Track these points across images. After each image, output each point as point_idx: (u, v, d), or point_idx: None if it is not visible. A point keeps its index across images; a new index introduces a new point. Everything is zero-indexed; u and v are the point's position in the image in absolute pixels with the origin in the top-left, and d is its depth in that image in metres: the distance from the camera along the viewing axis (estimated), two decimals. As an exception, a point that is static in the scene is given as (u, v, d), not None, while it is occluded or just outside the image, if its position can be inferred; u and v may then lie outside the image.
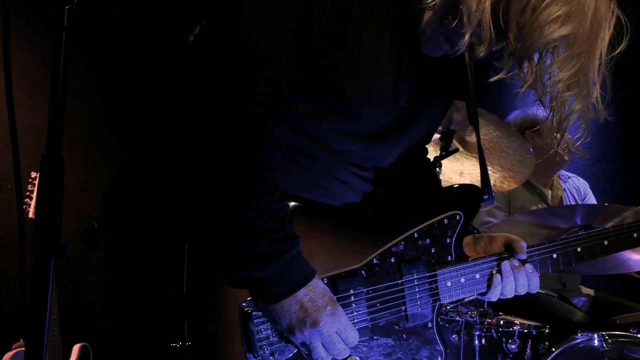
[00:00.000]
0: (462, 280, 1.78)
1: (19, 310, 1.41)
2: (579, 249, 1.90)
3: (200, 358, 1.51)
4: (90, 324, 3.95)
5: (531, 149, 3.49)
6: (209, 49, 1.48)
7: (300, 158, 1.63)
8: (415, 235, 1.74)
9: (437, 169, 3.00)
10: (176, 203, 1.54)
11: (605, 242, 1.93)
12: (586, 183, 4.26)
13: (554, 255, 1.87)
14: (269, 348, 1.57)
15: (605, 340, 3.03)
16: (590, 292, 4.03)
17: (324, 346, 1.57)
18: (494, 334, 3.12)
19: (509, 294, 1.81)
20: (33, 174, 3.36)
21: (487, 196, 1.85)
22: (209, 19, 1.53)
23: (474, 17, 1.45)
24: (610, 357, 2.97)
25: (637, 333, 3.22)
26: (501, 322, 3.14)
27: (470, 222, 1.82)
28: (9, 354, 3.30)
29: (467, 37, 1.47)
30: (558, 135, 1.57)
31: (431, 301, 1.75)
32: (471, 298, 1.80)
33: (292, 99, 1.55)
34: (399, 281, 1.71)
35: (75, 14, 1.44)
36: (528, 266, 1.83)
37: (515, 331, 3.12)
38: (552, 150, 1.49)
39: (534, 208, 3.96)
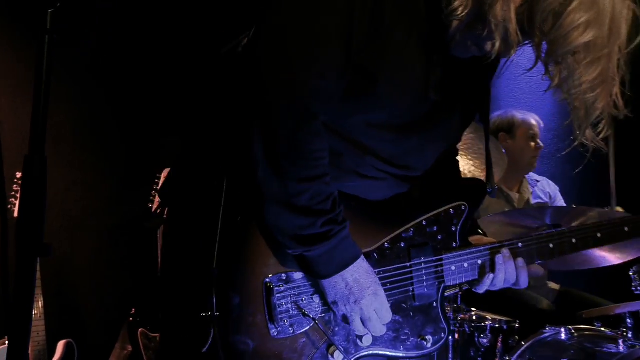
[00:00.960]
0: (465, 265, 1.84)
1: (3, 308, 1.40)
2: (551, 245, 1.94)
3: (226, 327, 1.59)
4: (75, 321, 3.92)
5: (503, 151, 3.52)
6: (267, 51, 1.56)
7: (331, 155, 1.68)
8: (424, 223, 1.82)
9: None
10: (231, 191, 1.63)
11: (574, 240, 1.95)
12: (556, 187, 4.29)
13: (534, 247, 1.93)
14: (288, 320, 1.66)
15: (572, 334, 3.06)
16: (556, 287, 4.06)
17: (362, 320, 1.67)
18: (467, 329, 3.13)
19: (499, 283, 1.86)
20: (18, 174, 3.33)
21: (490, 189, 1.91)
22: (260, 24, 1.61)
23: (501, 26, 1.49)
24: (577, 350, 2.99)
25: (601, 327, 3.25)
26: (474, 318, 3.16)
27: (474, 212, 1.89)
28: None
29: (497, 44, 1.52)
30: (579, 133, 1.60)
31: (436, 283, 1.82)
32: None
33: (339, 93, 1.61)
34: (408, 264, 1.79)
35: (58, 17, 1.43)
36: (519, 260, 1.88)
37: (487, 326, 3.14)
38: (575, 144, 1.53)
39: (497, 207, 3.97)
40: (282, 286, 1.66)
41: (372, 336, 1.72)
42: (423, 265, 1.81)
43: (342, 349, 1.70)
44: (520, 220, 3.28)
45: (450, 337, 3.05)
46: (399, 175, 1.80)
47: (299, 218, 1.58)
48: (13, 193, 3.31)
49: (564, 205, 4.21)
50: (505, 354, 3.10)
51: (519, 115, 4.11)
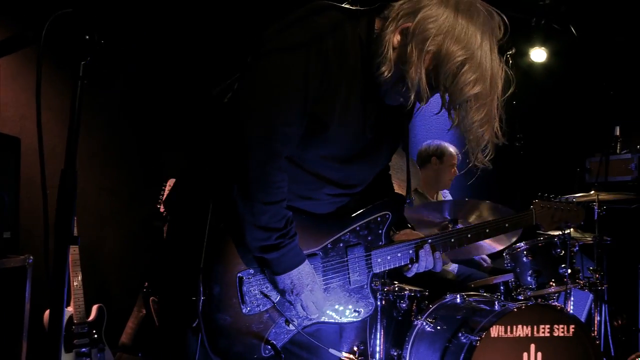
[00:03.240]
0: (389, 257, 1.87)
1: (45, 283, 1.38)
2: (452, 240, 1.97)
3: (210, 307, 1.64)
4: (104, 291, 3.86)
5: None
6: (245, 105, 1.57)
7: (290, 181, 1.69)
8: (357, 228, 1.84)
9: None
10: (215, 208, 1.64)
11: (469, 235, 1.98)
12: (449, 194, 4.32)
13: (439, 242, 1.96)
14: (256, 302, 1.71)
15: (464, 299, 3.11)
16: (454, 265, 4.09)
17: (301, 307, 1.72)
18: (390, 297, 3.16)
19: (421, 269, 1.91)
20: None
21: (409, 200, 1.94)
22: (240, 86, 1.63)
23: (415, 84, 1.53)
24: (467, 309, 3.03)
25: (484, 292, 3.31)
26: (396, 288, 3.19)
27: (397, 218, 1.91)
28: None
29: (412, 96, 1.56)
30: (472, 157, 1.64)
31: (367, 271, 1.86)
32: (395, 267, 1.90)
33: (299, 136, 1.62)
34: (345, 258, 1.82)
35: (89, 67, 1.41)
36: (437, 253, 1.92)
37: (405, 294, 3.17)
38: (470, 165, 1.61)
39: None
40: (251, 278, 1.70)
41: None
42: (357, 259, 1.83)
43: (295, 321, 1.76)
44: (426, 215, 3.31)
45: (378, 304, 3.06)
46: (342, 194, 1.80)
47: (260, 232, 1.61)
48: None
49: None
50: (419, 314, 3.14)
51: (448, 146, 4.12)
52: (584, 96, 5.17)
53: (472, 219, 3.28)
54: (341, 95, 1.61)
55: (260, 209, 1.58)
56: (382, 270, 1.87)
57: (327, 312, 1.80)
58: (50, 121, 3.53)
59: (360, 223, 1.84)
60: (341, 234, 1.81)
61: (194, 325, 1.61)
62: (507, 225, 2.03)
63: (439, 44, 1.50)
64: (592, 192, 3.58)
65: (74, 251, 3.28)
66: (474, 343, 2.73)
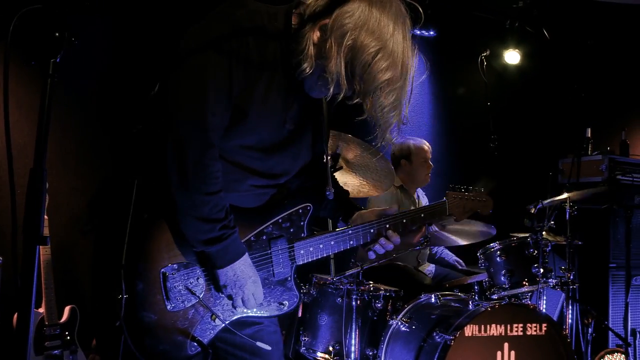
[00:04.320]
0: (311, 249, 1.87)
1: (14, 284, 1.35)
2: (372, 230, 1.95)
3: (134, 305, 1.64)
4: (77, 291, 3.79)
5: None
6: (174, 102, 1.62)
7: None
8: (280, 221, 1.85)
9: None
10: (137, 200, 1.67)
11: (387, 226, 1.96)
12: (424, 197, 4.32)
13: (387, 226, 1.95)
14: (180, 298, 1.70)
15: (439, 298, 3.12)
16: (431, 265, 4.12)
17: (242, 300, 1.74)
18: (366, 297, 3.15)
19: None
20: None
21: (329, 193, 1.92)
22: (168, 81, 1.65)
23: (334, 77, 1.59)
24: (442, 309, 3.05)
25: (458, 292, 3.33)
26: (371, 288, 3.18)
27: (318, 210, 1.93)
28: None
29: (332, 88, 1.61)
30: (380, 138, 1.70)
31: (290, 263, 1.86)
32: (320, 258, 1.91)
33: (225, 126, 1.66)
34: (269, 251, 1.82)
35: (59, 65, 1.38)
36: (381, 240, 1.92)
37: (380, 294, 3.16)
38: (378, 145, 1.68)
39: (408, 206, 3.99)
40: (175, 274, 1.69)
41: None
42: (280, 252, 1.84)
43: (221, 315, 1.75)
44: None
45: (354, 303, 3.06)
46: (266, 185, 1.83)
47: (203, 224, 1.62)
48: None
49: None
50: (394, 314, 3.14)
51: (414, 144, 4.06)
52: (556, 98, 5.25)
53: (445, 221, 3.30)
54: (260, 86, 1.66)
55: (201, 200, 1.60)
56: (305, 262, 1.87)
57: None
58: (20, 120, 3.46)
59: (282, 215, 1.84)
60: (263, 226, 1.82)
61: (117, 324, 1.60)
62: (422, 215, 2.04)
63: (356, 37, 1.57)
64: (564, 192, 3.64)
65: (45, 252, 3.22)
66: (448, 342, 2.75)
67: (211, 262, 1.69)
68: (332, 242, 1.89)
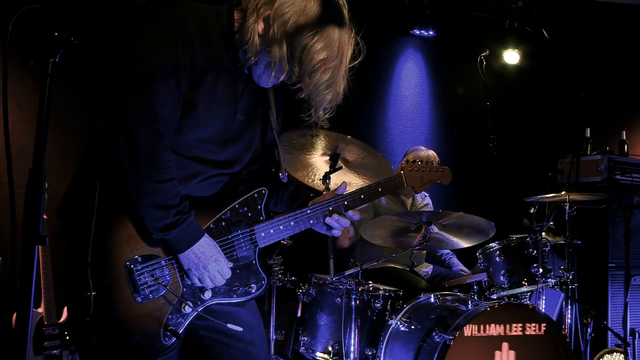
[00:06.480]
0: (272, 231, 1.89)
1: (14, 284, 1.35)
2: (330, 209, 1.96)
3: (103, 300, 1.67)
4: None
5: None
6: (123, 96, 1.68)
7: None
8: (237, 206, 1.88)
9: (327, 181, 3.00)
10: (101, 194, 1.70)
11: (346, 202, 1.98)
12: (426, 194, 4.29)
13: (346, 202, 1.98)
14: (148, 289, 1.73)
15: (438, 298, 3.13)
16: (430, 266, 4.11)
17: (209, 279, 1.78)
18: (365, 297, 3.15)
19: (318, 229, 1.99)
20: None
21: (282, 176, 1.97)
22: (116, 77, 1.72)
23: (277, 62, 1.72)
24: (441, 309, 3.05)
25: (458, 292, 3.33)
26: (370, 288, 3.17)
27: (273, 194, 1.98)
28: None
29: (275, 73, 1.74)
30: (314, 115, 1.79)
31: (252, 247, 1.88)
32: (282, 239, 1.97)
33: (177, 119, 1.73)
34: (229, 236, 1.85)
35: (58, 65, 1.38)
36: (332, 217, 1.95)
37: (379, 294, 3.16)
38: (311, 121, 1.82)
39: (396, 209, 3.99)
40: (139, 265, 1.72)
41: (212, 291, 1.81)
42: (240, 236, 1.86)
43: (190, 303, 1.78)
44: (405, 219, 3.32)
45: (353, 303, 3.06)
46: (221, 174, 1.88)
47: (157, 211, 1.68)
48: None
49: (432, 207, 4.24)
50: (393, 314, 3.14)
51: (414, 150, 4.04)
52: (555, 98, 5.25)
53: (445, 222, 3.29)
54: (208, 80, 1.75)
55: (154, 187, 1.67)
56: (268, 244, 1.90)
57: (220, 291, 1.83)
58: (19, 120, 3.45)
59: (238, 201, 1.88)
60: (221, 213, 1.85)
61: (88, 320, 1.64)
62: (380, 190, 2.06)
63: (295, 23, 1.70)
64: (563, 192, 3.64)
65: (44, 252, 3.22)
66: (447, 342, 2.75)
67: (172, 248, 1.74)
68: (292, 223, 1.91)
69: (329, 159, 3.15)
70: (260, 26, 1.73)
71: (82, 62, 3.51)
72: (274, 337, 3.35)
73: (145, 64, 1.68)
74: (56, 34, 1.35)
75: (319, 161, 3.11)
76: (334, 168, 3.14)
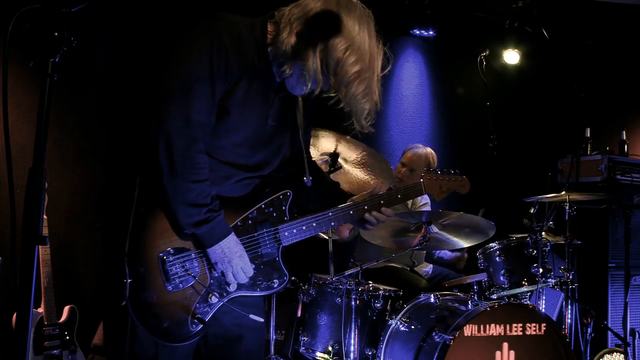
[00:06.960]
0: (295, 230, 2.03)
1: (14, 284, 1.35)
2: (351, 212, 2.11)
3: (137, 287, 1.81)
4: (76, 291, 3.79)
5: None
6: (161, 102, 1.80)
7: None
8: (263, 206, 2.01)
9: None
10: (139, 195, 1.84)
11: (365, 207, 2.11)
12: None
13: (351, 212, 2.12)
14: (178, 279, 1.86)
15: (438, 298, 3.13)
16: (430, 265, 4.11)
17: (232, 274, 1.91)
18: (365, 297, 3.15)
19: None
20: None
21: (307, 180, 2.10)
22: (156, 87, 1.84)
23: (312, 75, 1.81)
24: (441, 309, 3.05)
25: (457, 292, 3.33)
26: (370, 288, 3.18)
27: (299, 194, 2.08)
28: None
29: (310, 85, 1.83)
30: (356, 125, 1.89)
31: (276, 245, 2.01)
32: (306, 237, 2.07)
33: (211, 125, 1.86)
34: (255, 234, 1.99)
35: (58, 65, 1.39)
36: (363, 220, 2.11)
37: (380, 294, 3.16)
38: (354, 131, 1.94)
39: (396, 208, 3.97)
40: (171, 257, 1.85)
41: (237, 284, 1.93)
42: (265, 234, 1.99)
43: (217, 294, 1.91)
44: (405, 219, 3.33)
45: (353, 303, 3.06)
46: (252, 177, 2.00)
47: (190, 209, 1.81)
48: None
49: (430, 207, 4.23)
50: (393, 314, 3.15)
51: (413, 150, 4.02)
52: (555, 98, 5.25)
53: (445, 222, 3.29)
54: (240, 87, 1.86)
55: (188, 187, 1.80)
56: (291, 242, 2.03)
57: (245, 285, 1.95)
58: (19, 120, 3.46)
59: (265, 201, 2.01)
60: (248, 212, 1.99)
61: (123, 304, 1.79)
62: (399, 196, 2.20)
63: (327, 38, 1.78)
64: (563, 192, 3.64)
65: (44, 251, 3.22)
66: (447, 342, 2.75)
67: (201, 242, 1.87)
68: (314, 224, 2.05)
69: (329, 159, 3.16)
70: (293, 39, 1.82)
71: (82, 62, 3.52)
72: (274, 337, 3.36)
73: (182, 72, 1.79)
74: (56, 33, 1.35)
75: (318, 161, 3.12)
76: (333, 168, 3.15)
